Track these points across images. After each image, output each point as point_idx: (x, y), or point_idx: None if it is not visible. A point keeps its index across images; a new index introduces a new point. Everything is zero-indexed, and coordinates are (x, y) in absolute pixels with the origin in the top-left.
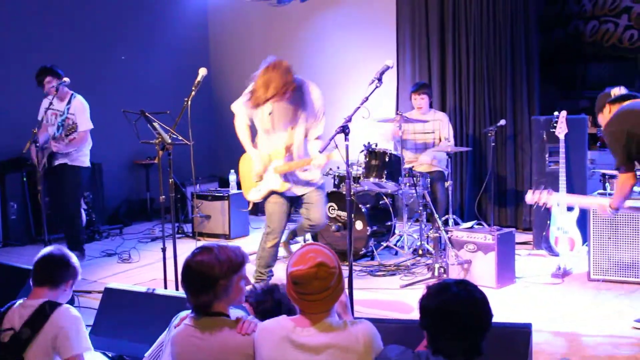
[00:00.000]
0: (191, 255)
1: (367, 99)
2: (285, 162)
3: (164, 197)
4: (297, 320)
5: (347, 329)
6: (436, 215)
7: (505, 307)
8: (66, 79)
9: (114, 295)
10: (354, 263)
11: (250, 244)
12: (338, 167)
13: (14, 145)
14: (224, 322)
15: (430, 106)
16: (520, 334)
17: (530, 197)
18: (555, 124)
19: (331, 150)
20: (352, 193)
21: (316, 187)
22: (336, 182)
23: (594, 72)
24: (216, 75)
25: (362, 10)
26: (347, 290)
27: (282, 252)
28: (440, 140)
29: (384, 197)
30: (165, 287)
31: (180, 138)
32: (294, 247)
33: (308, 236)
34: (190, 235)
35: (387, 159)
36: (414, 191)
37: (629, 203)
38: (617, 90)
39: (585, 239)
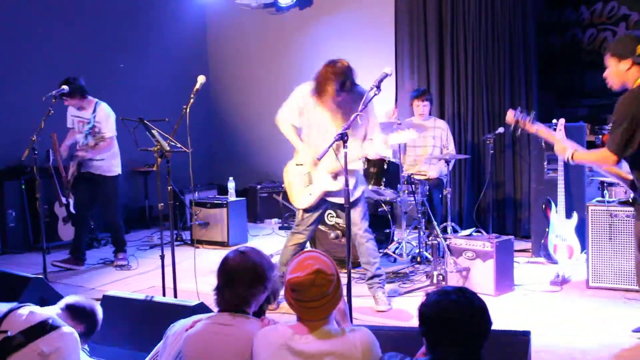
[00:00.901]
0: (247, 249)
1: (365, 106)
2: (337, 161)
3: (162, 204)
4: (296, 327)
5: (345, 336)
6: (435, 223)
7: (504, 315)
8: (65, 87)
9: (112, 303)
10: (352, 270)
11: None
12: None
13: (12, 152)
14: (249, 320)
15: (430, 113)
16: (519, 341)
17: (511, 116)
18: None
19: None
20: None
21: (355, 202)
22: None
23: (592, 80)
24: (215, 82)
25: (361, 18)
26: (345, 298)
27: None
28: (441, 150)
29: (383, 205)
30: (164, 295)
31: (179, 145)
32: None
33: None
34: (189, 242)
35: (385, 167)
36: (412, 198)
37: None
38: None
39: (583, 246)
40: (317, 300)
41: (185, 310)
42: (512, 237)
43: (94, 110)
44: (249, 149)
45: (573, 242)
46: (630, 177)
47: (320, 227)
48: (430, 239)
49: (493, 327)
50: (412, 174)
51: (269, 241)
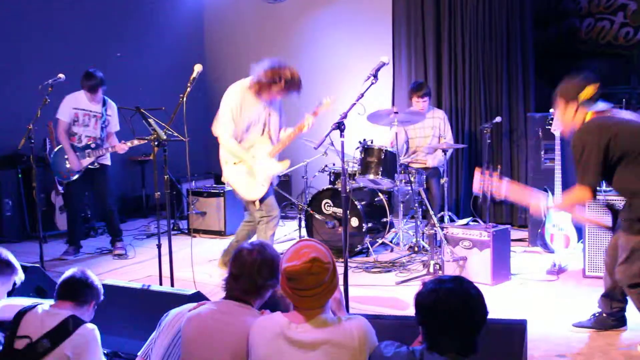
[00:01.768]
0: (263, 242)
1: (362, 95)
2: (275, 144)
3: (159, 193)
4: (292, 316)
5: (342, 325)
6: (432, 212)
7: (500, 304)
8: (61, 76)
9: (109, 292)
10: (349, 260)
11: None
12: (334, 164)
13: (8, 141)
14: (250, 311)
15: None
16: (516, 330)
17: (477, 182)
18: (550, 121)
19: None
20: (347, 190)
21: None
22: (332, 179)
23: (590, 69)
24: (211, 71)
25: (358, 7)
26: (342, 287)
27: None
28: (439, 139)
29: (380, 194)
30: (161, 284)
31: (176, 134)
32: None
33: (303, 232)
34: (186, 232)
35: (382, 156)
36: (409, 188)
37: (589, 217)
38: (592, 90)
39: (580, 236)
40: (314, 289)
41: (182, 299)
42: (508, 226)
43: (104, 104)
44: None
45: (570, 232)
46: (604, 223)
47: (317, 216)
48: (427, 228)
49: (489, 316)
50: (409, 162)
51: None
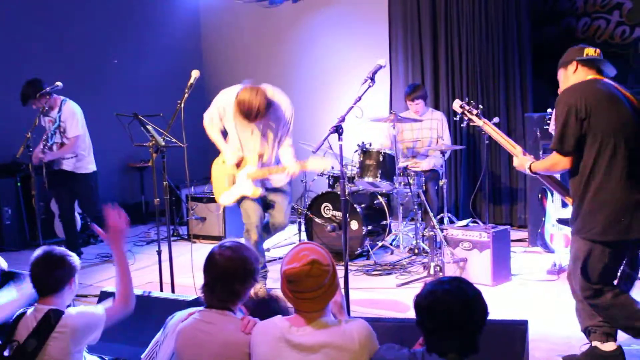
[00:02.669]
0: (233, 244)
1: (360, 98)
2: (259, 169)
3: (158, 199)
4: (293, 319)
5: (342, 327)
6: (431, 214)
7: (501, 304)
8: (59, 84)
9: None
10: (349, 263)
11: None
12: (332, 167)
13: (7, 150)
14: (231, 319)
15: (425, 105)
16: (517, 331)
17: (457, 105)
18: (548, 121)
19: (308, 159)
20: (346, 193)
21: (283, 192)
22: (331, 183)
23: None
24: (209, 77)
25: (355, 11)
26: (343, 290)
27: None
28: (437, 141)
29: (379, 197)
30: (161, 290)
31: (174, 140)
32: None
33: (303, 236)
34: (186, 237)
35: (381, 159)
36: (408, 190)
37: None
38: (593, 52)
39: None
40: (313, 291)
41: (183, 305)
42: (508, 226)
43: (60, 109)
44: None
45: (569, 231)
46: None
47: (317, 219)
48: (426, 230)
49: (490, 317)
50: (407, 165)
51: None
